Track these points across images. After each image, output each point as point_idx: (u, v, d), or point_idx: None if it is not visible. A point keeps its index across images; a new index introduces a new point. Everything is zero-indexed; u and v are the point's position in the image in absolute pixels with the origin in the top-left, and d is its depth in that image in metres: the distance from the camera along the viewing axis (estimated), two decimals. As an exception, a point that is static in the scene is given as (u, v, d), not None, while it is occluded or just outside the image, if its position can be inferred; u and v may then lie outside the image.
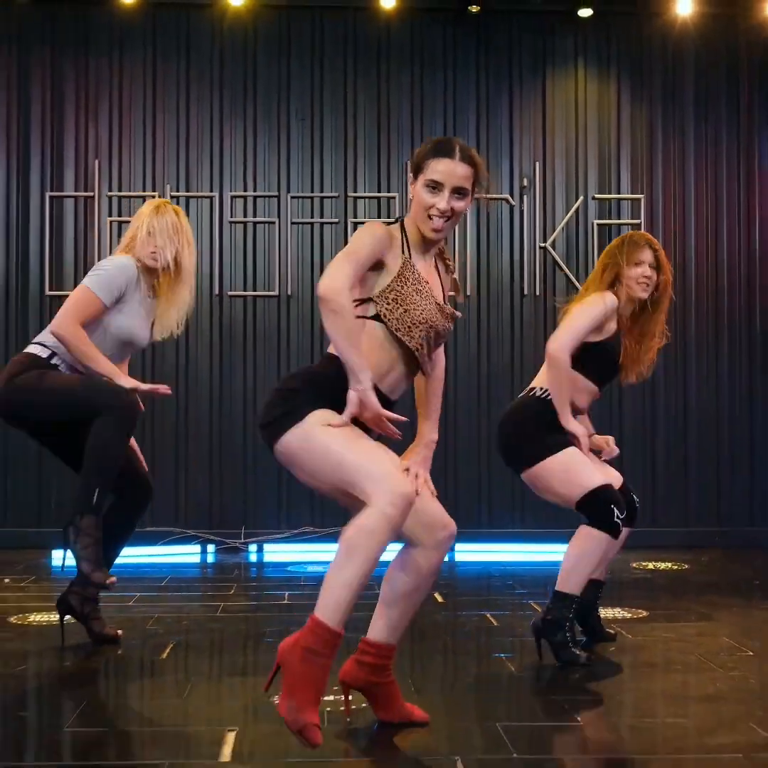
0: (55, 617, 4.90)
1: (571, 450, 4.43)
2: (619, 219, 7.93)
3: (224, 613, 5.35)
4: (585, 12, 7.80)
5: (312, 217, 7.87)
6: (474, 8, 7.73)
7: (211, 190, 7.83)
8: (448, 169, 3.32)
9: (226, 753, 3.20)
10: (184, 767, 3.10)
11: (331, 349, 3.32)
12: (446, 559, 7.27)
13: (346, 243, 7.65)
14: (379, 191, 7.89)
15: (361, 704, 3.59)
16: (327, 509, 7.75)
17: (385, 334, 3.32)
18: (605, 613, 5.18)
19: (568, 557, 4.34)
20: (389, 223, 3.50)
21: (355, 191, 7.89)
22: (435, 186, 3.34)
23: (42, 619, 5.12)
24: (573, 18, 7.88)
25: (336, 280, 3.15)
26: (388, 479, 3.04)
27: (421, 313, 3.33)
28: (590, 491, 4.33)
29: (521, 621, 5.10)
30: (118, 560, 4.77)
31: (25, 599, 5.70)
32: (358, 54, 7.91)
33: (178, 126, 7.83)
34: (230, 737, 3.33)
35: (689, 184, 7.99)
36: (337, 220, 7.85)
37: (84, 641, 4.61)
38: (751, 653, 4.47)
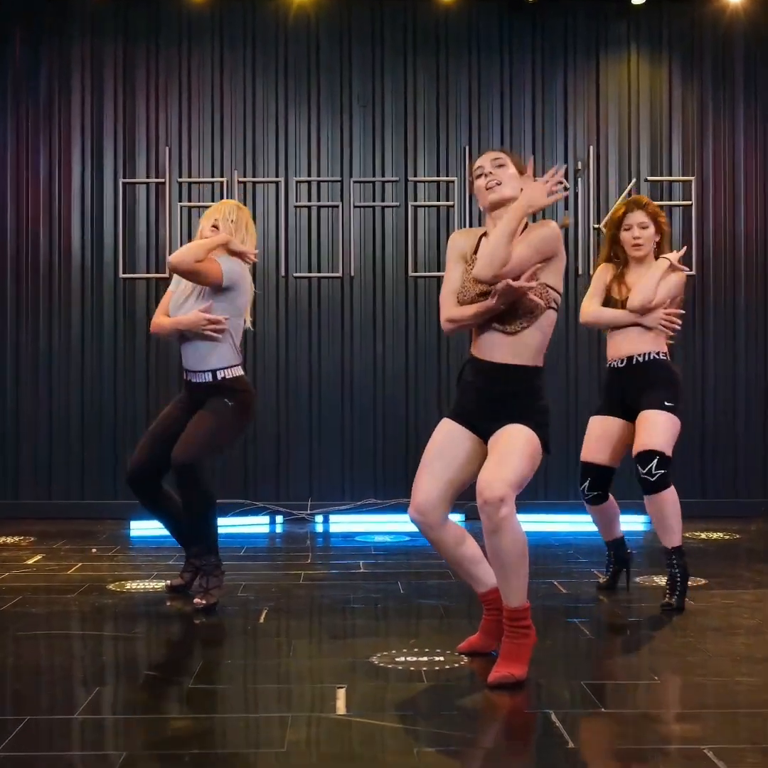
0: (151, 584, 5.32)
1: (591, 420, 5.36)
2: (671, 200, 8.19)
3: (307, 580, 5.70)
4: (637, 0, 8.02)
5: (374, 200, 8.17)
6: (530, -3, 7.97)
7: (277, 176, 8.13)
8: (482, 159, 4.12)
9: (341, 706, 3.55)
10: (304, 719, 3.45)
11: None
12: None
13: (406, 226, 8.01)
14: (438, 175, 8.17)
15: (454, 664, 3.93)
16: (390, 481, 8.10)
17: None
18: (663, 581, 5.49)
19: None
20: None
21: (416, 175, 8.17)
22: (480, 172, 4.08)
23: (139, 587, 5.49)
24: (626, 4, 8.11)
25: (443, 312, 4.04)
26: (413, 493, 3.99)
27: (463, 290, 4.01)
28: (581, 461, 5.34)
29: (588, 587, 5.44)
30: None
31: (117, 568, 6.07)
32: (417, 41, 8.18)
33: (244, 113, 8.13)
34: (341, 693, 3.68)
35: (739, 166, 8.22)
36: (398, 203, 8.15)
37: (183, 610, 4.98)
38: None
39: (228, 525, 7.70)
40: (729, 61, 8.23)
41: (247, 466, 8.11)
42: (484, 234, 4.08)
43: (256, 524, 7.89)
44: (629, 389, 5.19)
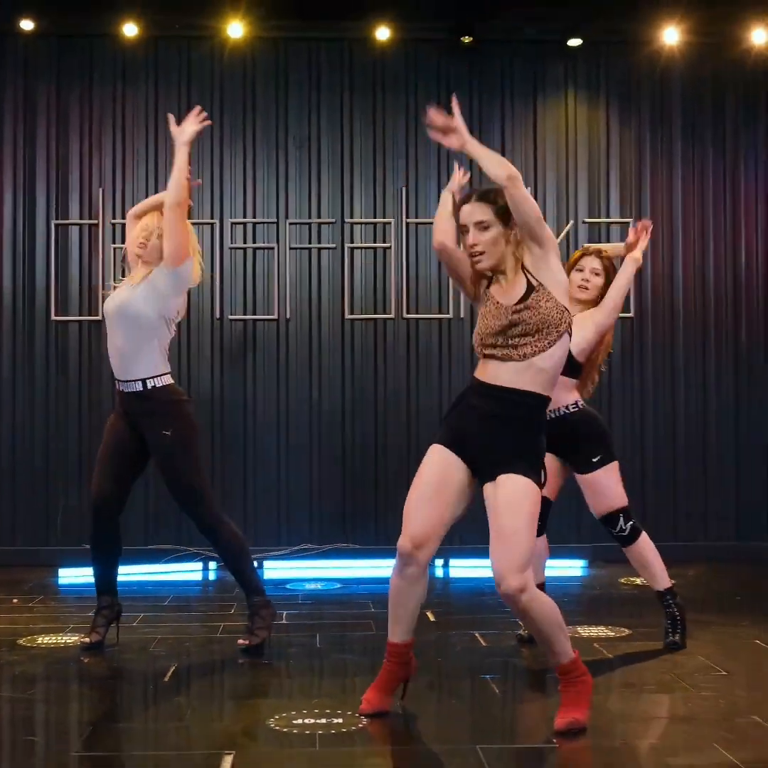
0: (61, 638, 5.18)
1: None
2: (609, 242, 8.13)
3: (224, 633, 5.58)
4: (574, 41, 8.02)
5: (310, 242, 8.10)
6: (466, 39, 7.95)
7: (212, 217, 8.06)
8: (468, 212, 3.94)
9: (225, 775, 3.44)
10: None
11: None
12: (441, 575, 7.56)
13: (342, 268, 7.93)
14: (375, 217, 8.12)
15: (352, 727, 3.82)
16: (326, 526, 8.00)
17: None
18: (589, 631, 5.42)
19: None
20: None
21: (352, 217, 8.12)
22: (464, 229, 3.95)
23: (50, 641, 5.35)
24: (563, 47, 8.10)
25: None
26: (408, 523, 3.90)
27: (477, 328, 3.97)
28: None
29: (509, 640, 5.33)
30: (125, 578, 5.43)
31: (33, 620, 5.93)
32: (354, 83, 8.14)
33: (179, 154, 8.04)
34: (228, 760, 3.56)
35: (677, 208, 8.21)
36: (334, 245, 8.08)
37: (91, 669, 4.86)
38: (725, 673, 4.70)
39: (160, 572, 7.60)
40: (666, 103, 8.23)
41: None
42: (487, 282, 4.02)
43: (188, 571, 7.76)
44: (556, 441, 5.04)
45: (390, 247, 8.09)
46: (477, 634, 5.49)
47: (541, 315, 3.82)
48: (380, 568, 7.73)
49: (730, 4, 7.75)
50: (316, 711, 4.11)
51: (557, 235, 8.08)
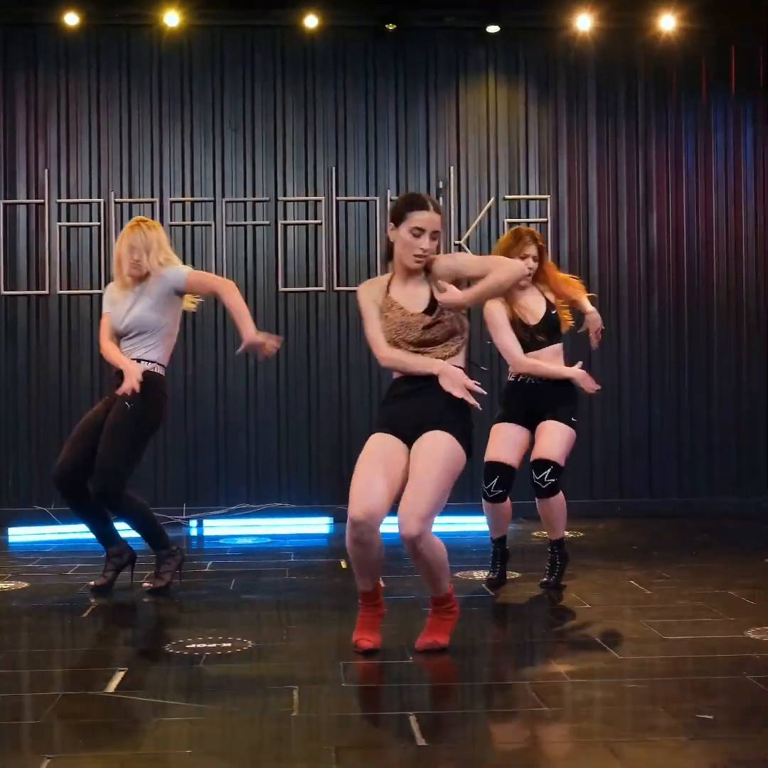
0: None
1: (495, 427, 5.74)
2: (528, 218, 8.65)
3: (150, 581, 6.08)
4: (493, 28, 8.49)
5: (245, 219, 8.58)
6: (390, 26, 8.41)
7: (152, 196, 8.52)
8: (426, 219, 4.34)
9: (111, 686, 3.95)
10: (77, 696, 3.85)
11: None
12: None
13: (276, 243, 8.41)
14: (306, 195, 8.60)
15: (237, 650, 4.33)
16: (262, 487, 8.51)
17: None
18: (482, 574, 5.93)
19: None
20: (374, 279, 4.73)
21: (285, 195, 8.59)
22: (418, 232, 4.33)
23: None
24: (483, 33, 8.57)
25: (378, 349, 4.43)
26: (349, 505, 4.17)
27: (387, 332, 4.39)
28: (486, 462, 5.64)
29: (404, 583, 5.85)
30: (72, 535, 6.17)
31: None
32: (286, 68, 8.60)
33: (120, 137, 8.51)
34: (119, 675, 4.07)
35: (592, 185, 8.70)
36: (268, 222, 8.56)
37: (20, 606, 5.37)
38: (588, 606, 5.23)
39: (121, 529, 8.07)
40: (581, 85, 8.71)
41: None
42: (390, 281, 4.46)
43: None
44: (538, 401, 5.67)
45: (321, 224, 8.57)
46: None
47: (446, 328, 4.36)
48: (313, 525, 8.27)
49: (639, -8, 8.23)
50: (210, 637, 4.63)
51: (479, 211, 8.59)
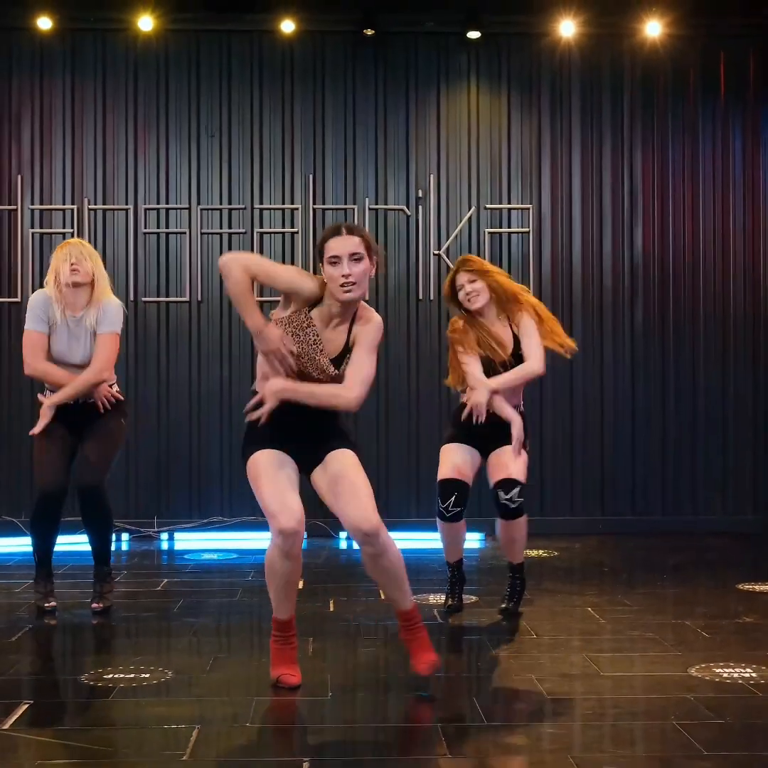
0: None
1: (446, 446, 5.55)
2: (510, 228, 8.46)
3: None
4: (474, 34, 8.30)
5: (220, 227, 8.43)
6: (369, 31, 8.23)
7: (127, 203, 8.39)
8: (339, 244, 4.10)
9: (11, 720, 3.80)
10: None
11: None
12: (345, 546, 7.90)
13: (252, 252, 8.25)
14: (283, 203, 8.44)
15: (153, 681, 4.18)
16: (236, 499, 8.35)
17: None
18: (438, 599, 5.76)
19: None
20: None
21: (261, 203, 8.44)
22: (334, 260, 4.08)
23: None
24: (464, 39, 8.38)
25: (240, 256, 4.25)
26: (273, 518, 4.04)
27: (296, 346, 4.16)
28: (440, 480, 5.46)
29: (355, 606, 5.68)
30: (27, 548, 5.89)
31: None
32: (264, 74, 8.45)
33: (95, 143, 8.39)
34: (22, 708, 3.92)
35: (575, 194, 8.50)
36: (244, 230, 8.41)
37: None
38: (534, 636, 5.04)
39: (71, 543, 7.93)
40: (565, 92, 8.51)
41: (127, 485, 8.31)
42: (320, 301, 4.18)
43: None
44: (488, 434, 5.45)
45: (297, 232, 8.41)
46: (331, 601, 5.84)
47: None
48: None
49: (622, -4, 8.03)
50: (131, 667, 4.48)
51: (460, 220, 8.41)
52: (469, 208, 8.46)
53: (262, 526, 8.30)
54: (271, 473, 4.16)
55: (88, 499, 5.56)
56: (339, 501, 4.13)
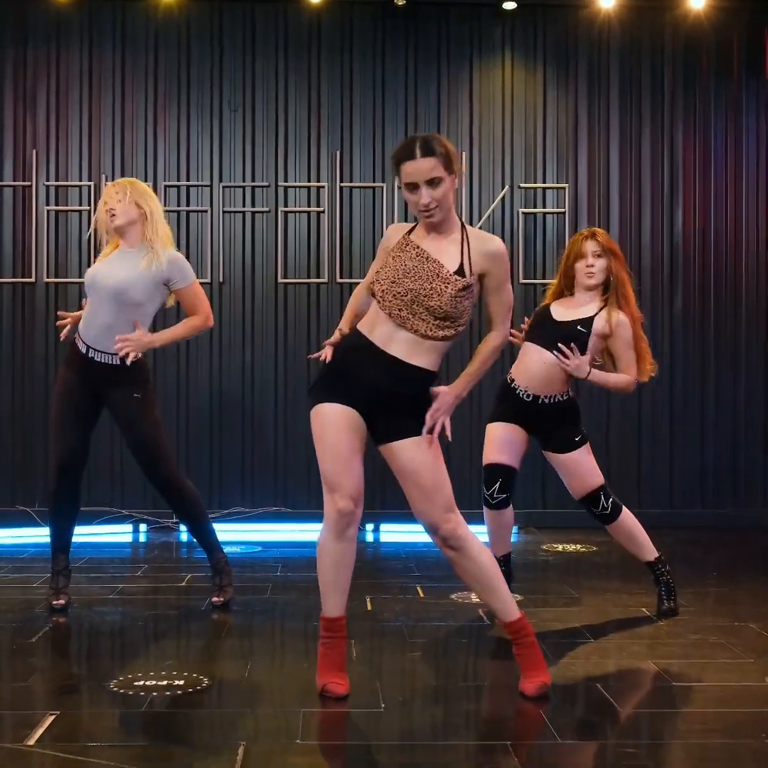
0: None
1: (492, 425, 5.21)
2: (544, 208, 8.11)
3: (119, 595, 5.62)
4: (509, 5, 7.94)
5: (243, 206, 8.09)
6: (399, 2, 7.87)
7: (146, 179, 8.00)
8: (415, 169, 3.69)
9: (33, 735, 3.47)
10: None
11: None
12: (371, 539, 7.60)
13: (276, 231, 7.91)
14: (309, 181, 8.09)
15: (189, 689, 3.84)
16: (258, 490, 8.03)
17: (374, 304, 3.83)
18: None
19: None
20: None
21: (286, 181, 8.09)
22: (411, 187, 3.71)
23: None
24: (499, 9, 8.02)
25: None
26: (327, 493, 3.79)
27: (389, 270, 3.77)
28: (485, 465, 5.18)
29: (393, 605, 5.36)
30: (42, 539, 5.63)
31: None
32: (289, 46, 8.09)
33: (113, 117, 8.04)
34: (48, 720, 3.59)
35: (613, 173, 8.15)
36: (268, 209, 8.06)
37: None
38: (592, 640, 4.71)
39: (91, 534, 7.63)
40: (603, 67, 8.15)
41: (113, 473, 8.01)
42: (411, 231, 3.85)
43: (119, 533, 7.80)
44: (535, 421, 5.16)
45: (324, 212, 8.07)
46: (368, 599, 5.51)
47: (466, 307, 3.76)
48: (311, 531, 7.79)
49: (667, -33, 7.67)
50: (164, 673, 4.15)
51: (493, 200, 8.07)
52: (503, 187, 8.11)
53: (286, 517, 8.03)
54: (333, 436, 3.77)
55: (167, 494, 5.30)
56: (410, 493, 3.81)
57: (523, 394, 5.13)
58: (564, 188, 8.11)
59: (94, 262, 5.46)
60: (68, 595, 5.26)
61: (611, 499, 5.12)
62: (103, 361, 5.15)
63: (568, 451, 5.15)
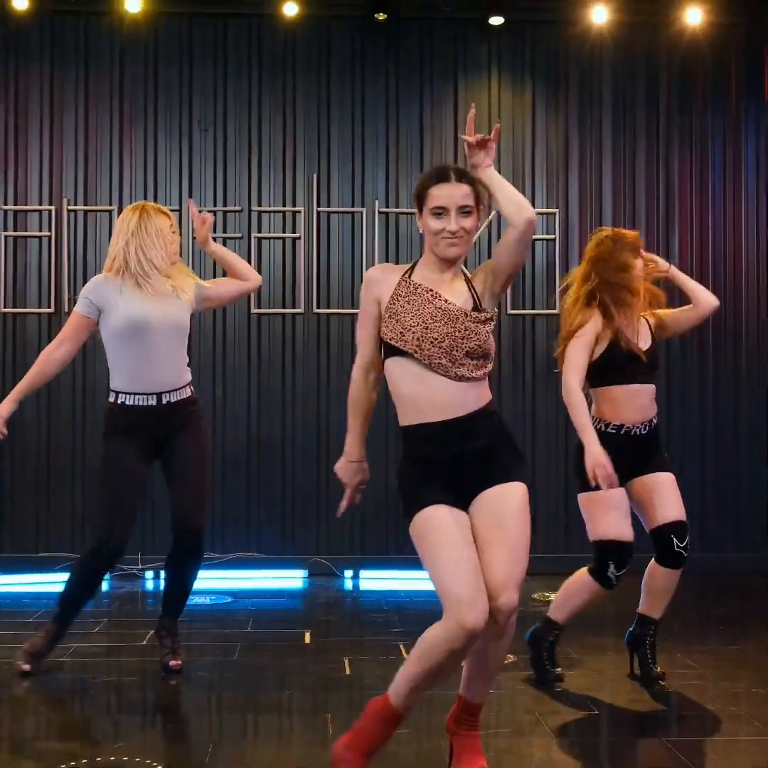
0: None
1: (590, 497, 4.54)
2: (534, 235, 7.65)
3: (72, 657, 5.10)
4: (496, 20, 7.53)
5: (214, 231, 7.55)
6: (380, 17, 7.45)
7: (111, 204, 7.58)
8: (448, 193, 3.42)
9: None
10: None
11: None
12: (350, 586, 7.12)
13: (249, 259, 7.45)
14: (284, 205, 7.65)
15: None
16: (228, 536, 7.55)
17: (399, 360, 3.44)
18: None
19: (562, 590, 4.70)
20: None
21: (260, 205, 7.65)
22: (439, 212, 3.42)
23: None
24: (485, 25, 7.61)
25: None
26: (457, 608, 3.19)
27: (413, 317, 3.40)
28: (597, 541, 4.53)
29: (374, 668, 4.86)
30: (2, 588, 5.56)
31: None
32: (263, 62, 7.67)
33: (76, 137, 7.58)
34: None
35: (606, 198, 7.74)
36: (240, 234, 7.61)
37: None
38: (595, 712, 4.22)
39: (50, 582, 7.12)
40: (596, 86, 7.75)
41: (75, 518, 7.51)
42: (409, 273, 3.51)
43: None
44: (642, 454, 4.70)
45: (300, 238, 7.61)
46: (346, 661, 5.01)
47: (488, 340, 3.47)
48: (285, 578, 7.34)
49: (662, -19, 7.28)
50: (112, 759, 3.64)
51: (478, 227, 7.61)
52: (489, 213, 7.66)
53: (258, 563, 7.53)
54: (452, 543, 3.30)
55: (190, 543, 4.89)
56: (485, 552, 3.33)
57: (641, 430, 4.68)
58: (554, 213, 7.69)
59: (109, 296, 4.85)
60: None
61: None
62: (178, 399, 4.78)
63: (669, 470, 4.73)
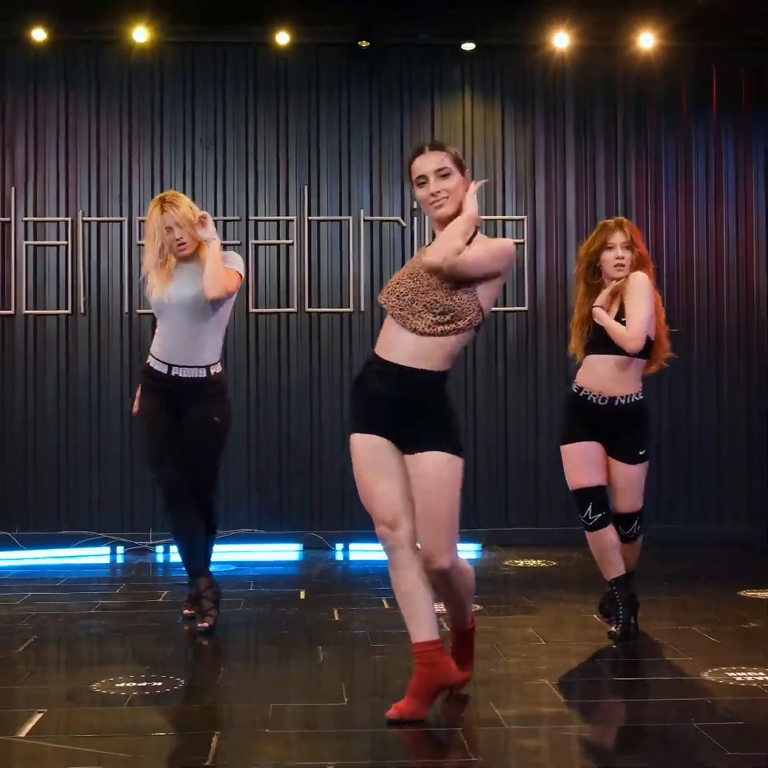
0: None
1: (567, 448, 5.15)
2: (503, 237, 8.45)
3: (101, 610, 5.89)
4: (468, 46, 8.33)
5: (215, 238, 8.39)
6: (363, 44, 8.25)
7: (121, 215, 8.36)
8: (423, 163, 3.90)
9: (27, 728, 3.75)
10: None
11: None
12: (341, 558, 7.88)
13: (247, 263, 8.22)
14: (278, 215, 8.43)
15: (166, 689, 4.14)
16: (232, 512, 8.29)
17: None
18: (439, 608, 5.69)
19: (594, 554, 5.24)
20: None
21: (256, 215, 8.43)
22: (422, 181, 3.92)
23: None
24: (459, 51, 8.41)
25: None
26: (379, 528, 3.82)
27: (397, 276, 3.95)
28: (572, 490, 5.16)
29: (359, 616, 5.66)
30: (28, 561, 6.18)
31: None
32: (259, 85, 8.45)
33: (89, 154, 8.35)
34: (36, 717, 3.87)
35: (570, 204, 8.52)
36: (239, 242, 8.39)
37: None
38: (543, 642, 5.03)
39: (70, 556, 7.90)
40: (559, 104, 8.54)
41: (91, 495, 8.27)
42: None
43: (97, 555, 8.04)
44: (605, 426, 5.08)
45: (292, 244, 8.40)
46: (335, 610, 5.81)
47: (451, 298, 3.79)
48: (282, 551, 8.09)
49: (617, 8, 8.04)
50: (142, 676, 4.44)
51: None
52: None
53: (258, 538, 8.32)
54: (363, 468, 3.83)
55: (206, 505, 5.54)
56: (417, 522, 3.81)
57: (597, 400, 5.05)
58: (523, 220, 8.47)
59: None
60: (213, 617, 5.30)
61: (639, 527, 5.20)
62: (187, 376, 5.36)
63: (632, 463, 5.10)
